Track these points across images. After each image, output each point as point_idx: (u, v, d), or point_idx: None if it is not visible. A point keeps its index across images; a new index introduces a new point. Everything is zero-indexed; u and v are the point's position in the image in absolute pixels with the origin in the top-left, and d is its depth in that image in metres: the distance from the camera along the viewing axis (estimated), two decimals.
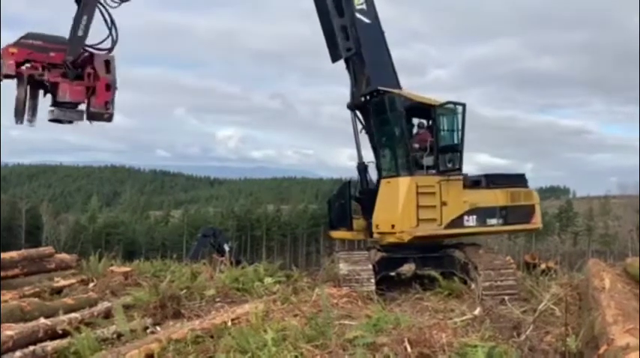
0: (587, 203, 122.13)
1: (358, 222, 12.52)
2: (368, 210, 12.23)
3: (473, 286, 10.70)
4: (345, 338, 6.43)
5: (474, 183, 12.16)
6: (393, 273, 12.80)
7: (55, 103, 9.84)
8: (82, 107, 10.06)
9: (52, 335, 7.11)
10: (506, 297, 9.69)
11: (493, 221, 11.74)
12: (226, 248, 26.78)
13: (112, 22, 10.15)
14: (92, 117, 10.00)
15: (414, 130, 12.25)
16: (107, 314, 8.51)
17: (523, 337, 6.95)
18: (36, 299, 8.76)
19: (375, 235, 12.10)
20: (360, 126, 12.87)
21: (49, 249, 12.17)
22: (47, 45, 9.57)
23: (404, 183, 11.43)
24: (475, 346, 6.04)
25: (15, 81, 9.49)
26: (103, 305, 8.92)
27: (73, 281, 11.22)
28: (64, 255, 12.55)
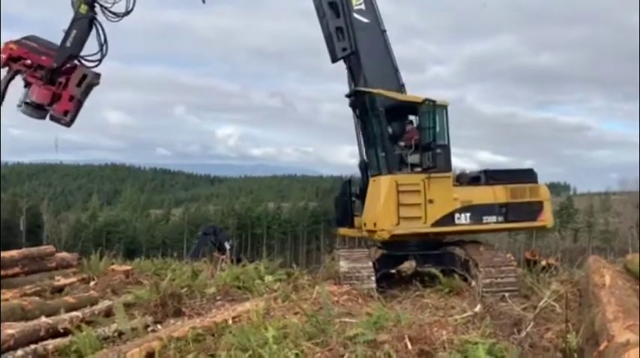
0: (588, 199, 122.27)
1: (359, 220, 12.54)
2: None
3: (473, 283, 10.71)
4: (346, 336, 6.42)
5: (473, 179, 12.17)
6: (393, 271, 12.82)
7: (25, 100, 10.69)
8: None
9: (54, 333, 7.11)
10: (506, 294, 9.71)
11: (491, 218, 11.56)
12: (227, 246, 26.77)
13: (105, 39, 10.77)
14: (52, 119, 10.74)
15: (407, 128, 12.25)
16: (108, 313, 8.52)
17: (523, 334, 6.95)
18: (37, 298, 8.78)
19: (364, 233, 12.17)
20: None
21: (49, 248, 12.18)
22: (41, 48, 10.45)
23: (384, 182, 11.52)
24: (476, 343, 6.05)
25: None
26: (104, 304, 8.93)
27: (73, 279, 11.24)
28: (64, 254, 12.57)
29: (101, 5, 10.72)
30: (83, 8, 10.51)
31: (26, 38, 10.51)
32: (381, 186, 11.53)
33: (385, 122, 11.84)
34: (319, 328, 6.69)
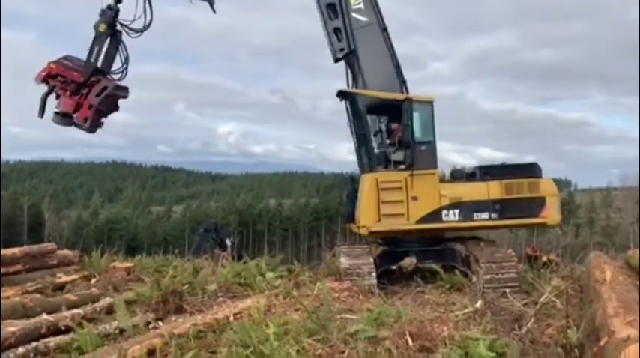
0: (589, 195, 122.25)
1: None
2: None
3: (474, 279, 10.70)
4: (347, 332, 6.44)
5: (470, 175, 12.12)
6: (394, 267, 12.83)
7: (55, 110, 11.71)
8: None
9: (55, 331, 7.11)
10: (507, 290, 9.68)
11: (483, 215, 11.38)
12: (228, 243, 26.79)
13: (127, 57, 11.81)
14: (75, 125, 11.61)
15: (393, 126, 12.24)
16: (109, 310, 8.51)
17: (524, 329, 6.97)
18: (38, 295, 8.76)
19: (354, 229, 12.27)
20: None
21: (51, 245, 12.15)
22: (74, 66, 11.50)
23: (366, 180, 11.68)
24: (476, 339, 6.05)
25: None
26: (105, 301, 8.92)
27: (75, 277, 11.22)
28: (66, 251, 12.55)
29: (121, 23, 11.56)
30: (102, 27, 11.46)
31: (63, 58, 11.58)
32: (364, 184, 11.69)
33: (367, 121, 11.94)
34: (320, 324, 6.70)
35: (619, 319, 4.33)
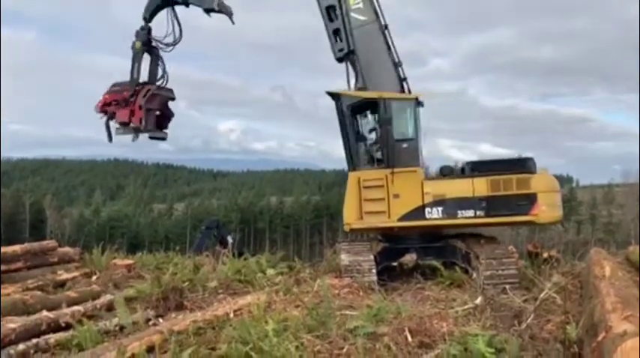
0: (591, 191, 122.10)
1: None
2: None
3: (474, 275, 10.69)
4: (346, 328, 6.45)
5: (461, 172, 12.04)
6: (395, 264, 12.82)
7: (116, 126, 13.04)
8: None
9: (55, 327, 7.15)
10: (507, 286, 9.68)
11: (468, 213, 11.03)
12: (230, 240, 26.80)
13: (164, 70, 13.28)
14: (136, 130, 12.81)
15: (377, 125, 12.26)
16: (110, 307, 8.54)
17: (524, 326, 6.96)
18: (39, 293, 8.79)
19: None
20: None
21: (51, 243, 12.18)
22: (123, 88, 12.79)
23: (350, 178, 11.72)
24: (476, 335, 6.05)
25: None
26: (105, 298, 8.95)
27: (76, 274, 11.26)
28: (67, 249, 12.57)
29: (155, 40, 13.02)
30: (138, 45, 12.85)
31: (112, 86, 12.93)
32: (348, 182, 11.74)
33: (349, 121, 11.90)
34: (319, 321, 6.71)
35: (617, 314, 4.32)
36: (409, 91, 12.65)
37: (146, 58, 13.10)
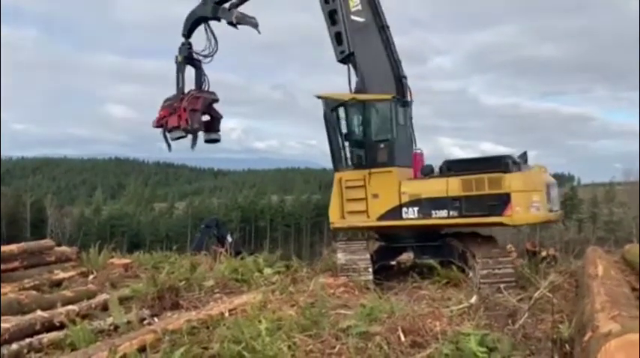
0: (592, 190, 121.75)
1: None
2: None
3: (471, 274, 10.69)
4: (339, 328, 6.45)
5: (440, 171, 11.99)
6: (393, 263, 12.84)
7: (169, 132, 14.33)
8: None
9: (49, 327, 7.14)
10: (502, 285, 9.66)
11: (442, 213, 10.90)
12: (229, 239, 26.78)
13: (206, 79, 14.61)
14: (186, 132, 13.94)
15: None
16: (105, 307, 8.52)
17: (518, 325, 6.95)
18: (34, 292, 8.79)
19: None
20: None
21: (48, 242, 12.20)
22: (172, 101, 14.14)
23: (335, 178, 12.07)
24: (468, 334, 6.04)
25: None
26: (101, 298, 8.95)
27: (72, 273, 11.27)
28: (64, 248, 12.59)
29: (196, 53, 14.46)
30: (180, 58, 14.26)
31: (164, 101, 14.26)
32: (334, 182, 12.06)
33: (332, 122, 12.10)
34: (313, 320, 6.70)
35: (604, 314, 4.32)
36: (409, 90, 12.72)
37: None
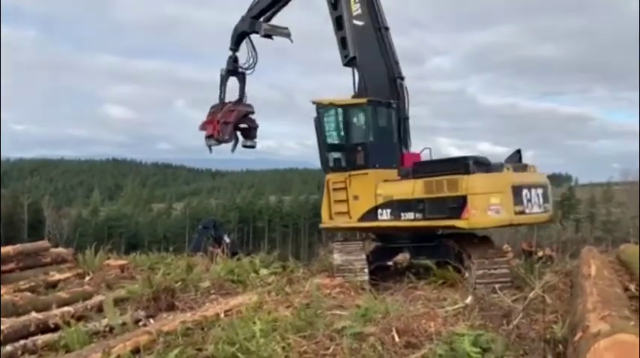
0: (590, 190, 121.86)
1: None
2: None
3: (467, 275, 10.71)
4: (334, 329, 6.45)
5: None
6: (390, 263, 12.84)
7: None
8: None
9: (44, 328, 7.14)
10: (498, 286, 9.68)
11: (409, 215, 10.88)
12: (227, 240, 26.75)
13: (245, 90, 15.78)
14: (218, 141, 15.37)
15: None
16: (100, 308, 8.50)
17: (512, 325, 6.96)
18: (29, 294, 8.78)
19: None
20: None
21: (44, 243, 12.19)
22: (215, 109, 15.52)
23: (325, 180, 12.48)
24: (462, 334, 6.05)
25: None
26: (97, 299, 8.94)
27: (68, 275, 11.24)
28: (60, 249, 12.56)
29: (240, 66, 15.52)
30: (224, 71, 15.45)
31: (210, 108, 15.58)
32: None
33: (320, 124, 12.22)
34: (307, 321, 6.71)
35: (595, 314, 4.33)
36: (406, 91, 12.86)
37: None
